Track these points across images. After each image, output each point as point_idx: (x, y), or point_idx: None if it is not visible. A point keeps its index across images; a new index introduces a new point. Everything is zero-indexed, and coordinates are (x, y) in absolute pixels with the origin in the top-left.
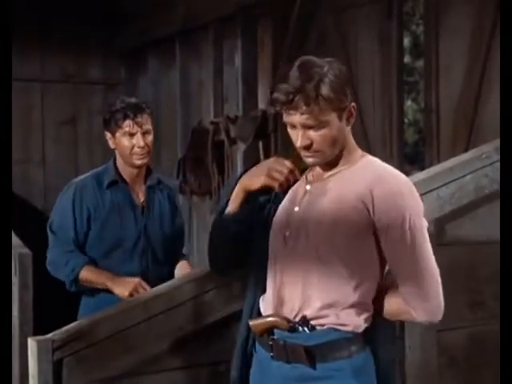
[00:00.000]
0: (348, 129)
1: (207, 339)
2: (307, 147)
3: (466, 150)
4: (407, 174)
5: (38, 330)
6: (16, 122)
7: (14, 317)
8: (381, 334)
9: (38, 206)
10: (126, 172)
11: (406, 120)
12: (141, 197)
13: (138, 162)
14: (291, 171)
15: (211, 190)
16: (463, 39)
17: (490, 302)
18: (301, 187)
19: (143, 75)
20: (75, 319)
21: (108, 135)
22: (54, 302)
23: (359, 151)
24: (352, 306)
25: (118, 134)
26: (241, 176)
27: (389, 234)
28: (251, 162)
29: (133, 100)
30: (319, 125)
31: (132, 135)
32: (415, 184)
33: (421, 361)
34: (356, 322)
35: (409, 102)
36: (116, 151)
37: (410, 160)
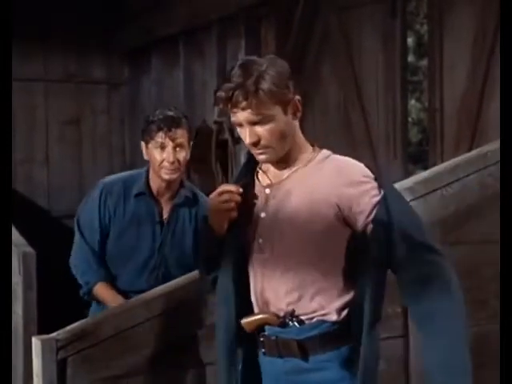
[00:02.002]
0: (296, 124)
1: (210, 339)
2: (255, 143)
3: (469, 150)
4: (411, 173)
5: (42, 330)
6: (19, 121)
7: (18, 316)
8: (363, 328)
9: (42, 206)
10: (156, 184)
11: (409, 119)
12: (165, 213)
13: (166, 177)
14: (231, 192)
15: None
16: (467, 38)
17: (493, 302)
18: (258, 191)
19: (146, 75)
20: (79, 318)
21: (142, 145)
22: (59, 302)
23: (310, 147)
24: (336, 297)
25: (150, 145)
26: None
27: (361, 218)
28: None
29: (171, 112)
30: (264, 119)
31: (163, 148)
32: (419, 183)
33: None
34: (342, 313)
35: (412, 102)
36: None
37: (413, 159)
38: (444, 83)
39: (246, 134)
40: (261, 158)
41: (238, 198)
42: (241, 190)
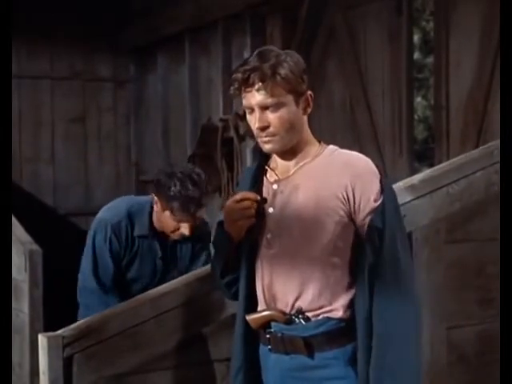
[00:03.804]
0: (305, 119)
1: (217, 336)
2: (264, 129)
3: (475, 147)
4: (416, 170)
5: (48, 327)
6: (26, 119)
7: (25, 314)
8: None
9: (48, 203)
10: (161, 229)
11: (415, 117)
12: (165, 248)
13: (176, 238)
14: (250, 199)
15: (221, 187)
16: (473, 36)
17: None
18: (266, 188)
19: (152, 72)
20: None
21: (155, 199)
22: (65, 299)
23: (317, 142)
24: (342, 293)
25: (166, 212)
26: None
27: (362, 213)
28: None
29: (194, 192)
30: (276, 105)
31: (181, 222)
32: (425, 181)
33: (430, 358)
34: (348, 310)
35: (418, 99)
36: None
37: (419, 157)
38: (450, 80)
39: (255, 119)
40: (267, 146)
41: (257, 204)
42: (258, 197)
